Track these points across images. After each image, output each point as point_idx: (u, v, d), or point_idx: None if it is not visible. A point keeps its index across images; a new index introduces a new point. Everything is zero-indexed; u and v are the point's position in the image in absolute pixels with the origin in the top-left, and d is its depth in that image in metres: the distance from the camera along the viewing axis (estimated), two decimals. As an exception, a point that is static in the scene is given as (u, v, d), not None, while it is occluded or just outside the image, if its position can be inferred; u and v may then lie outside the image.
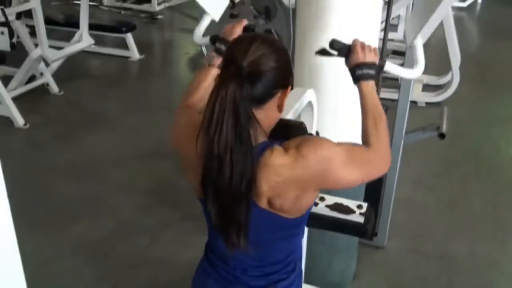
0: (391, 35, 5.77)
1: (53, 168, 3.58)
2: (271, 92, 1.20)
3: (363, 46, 1.43)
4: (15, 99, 4.22)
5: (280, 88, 1.22)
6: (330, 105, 2.06)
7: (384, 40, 2.48)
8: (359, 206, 1.73)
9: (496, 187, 3.48)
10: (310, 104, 1.79)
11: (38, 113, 4.36)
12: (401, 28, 6.19)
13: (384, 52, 2.49)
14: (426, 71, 5.15)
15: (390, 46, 5.18)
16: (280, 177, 1.17)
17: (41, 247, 2.76)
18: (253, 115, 1.16)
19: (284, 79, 1.22)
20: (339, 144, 1.23)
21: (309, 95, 1.74)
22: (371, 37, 2.08)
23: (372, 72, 1.40)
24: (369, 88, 1.37)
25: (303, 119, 1.79)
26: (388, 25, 2.45)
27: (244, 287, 1.35)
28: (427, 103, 4.65)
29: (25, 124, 4.07)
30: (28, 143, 3.97)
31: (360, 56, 1.40)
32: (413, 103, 4.60)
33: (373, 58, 1.42)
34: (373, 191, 2.66)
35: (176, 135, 1.42)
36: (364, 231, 1.70)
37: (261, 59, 1.16)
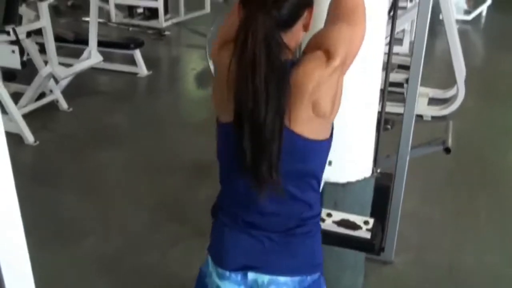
0: (396, 49, 5.83)
1: (63, 184, 3.62)
2: (299, 13, 1.23)
3: None
4: (25, 116, 4.27)
5: (306, 7, 1.25)
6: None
7: (389, 53, 2.50)
8: (366, 222, 1.75)
9: (503, 198, 3.49)
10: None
11: (48, 130, 4.42)
12: (406, 42, 6.24)
13: (389, 66, 2.52)
14: (431, 85, 5.22)
15: (395, 60, 5.22)
16: (317, 77, 1.21)
17: (50, 263, 2.78)
18: (283, 43, 1.19)
19: None
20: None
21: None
22: (376, 50, 2.11)
23: None
24: None
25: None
26: (393, 39, 2.48)
27: (265, 233, 1.35)
28: (433, 117, 4.66)
29: (35, 141, 4.12)
30: (38, 160, 4.02)
31: None
32: (419, 117, 4.62)
33: None
34: (380, 206, 2.67)
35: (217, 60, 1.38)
36: (371, 247, 1.73)
37: None
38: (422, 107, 4.78)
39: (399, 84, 4.78)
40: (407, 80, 4.67)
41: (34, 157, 4.05)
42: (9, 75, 4.79)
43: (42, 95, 4.71)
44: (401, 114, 2.73)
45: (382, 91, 2.66)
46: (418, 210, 3.32)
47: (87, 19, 5.22)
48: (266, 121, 1.16)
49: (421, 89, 4.99)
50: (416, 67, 2.55)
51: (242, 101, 1.17)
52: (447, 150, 2.95)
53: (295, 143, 1.24)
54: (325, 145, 1.33)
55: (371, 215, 2.37)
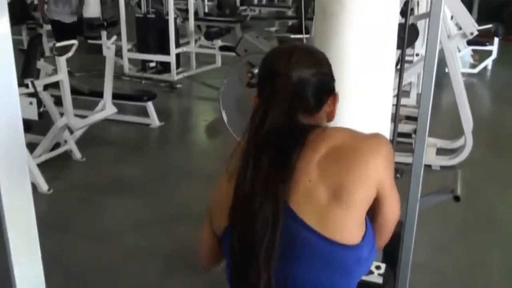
0: (404, 101, 5.95)
1: (75, 233, 3.66)
2: (321, 99, 1.17)
3: None
4: (40, 165, 4.36)
5: (329, 95, 1.18)
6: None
7: (397, 105, 2.59)
8: (378, 267, 1.77)
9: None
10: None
11: (61, 179, 4.49)
12: (413, 94, 6.37)
13: (397, 117, 2.60)
14: (439, 136, 5.28)
15: (403, 111, 5.32)
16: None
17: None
18: (302, 128, 1.11)
19: (330, 84, 1.19)
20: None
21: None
22: (384, 103, 2.19)
23: None
24: None
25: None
26: (400, 91, 2.57)
27: None
28: (441, 167, 4.70)
29: (48, 190, 4.19)
30: (51, 209, 4.07)
31: None
32: (428, 166, 4.67)
33: None
34: (391, 254, 2.68)
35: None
36: (382, 292, 1.74)
37: (305, 68, 1.13)
38: (431, 157, 4.83)
39: (407, 135, 4.86)
40: (415, 131, 4.78)
41: (48, 205, 4.10)
42: (25, 126, 4.90)
43: (56, 145, 4.81)
44: (410, 164, 2.78)
45: (391, 141, 2.73)
46: (430, 262, 3.30)
47: (98, 71, 5.38)
48: (259, 210, 1.01)
49: (429, 140, 5.05)
50: (424, 117, 2.61)
51: (239, 187, 1.06)
52: (457, 198, 2.97)
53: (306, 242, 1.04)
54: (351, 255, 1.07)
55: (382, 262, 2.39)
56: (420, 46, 5.88)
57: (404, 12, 3.38)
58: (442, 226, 3.77)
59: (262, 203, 1.02)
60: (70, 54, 4.40)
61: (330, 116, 1.21)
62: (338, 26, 1.99)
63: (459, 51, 7.52)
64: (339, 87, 2.07)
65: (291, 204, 1.04)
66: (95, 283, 3.09)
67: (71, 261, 3.30)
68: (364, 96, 2.06)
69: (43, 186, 4.19)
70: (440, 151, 5.02)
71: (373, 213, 1.15)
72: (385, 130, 2.21)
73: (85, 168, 4.76)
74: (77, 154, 4.84)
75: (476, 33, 4.38)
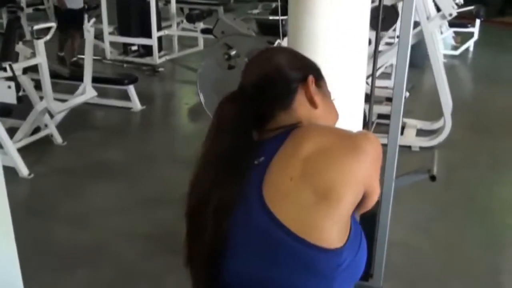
0: (385, 82, 5.99)
1: (55, 216, 3.66)
2: (289, 91, 1.15)
3: None
4: (20, 150, 4.34)
5: (296, 84, 1.16)
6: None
7: (372, 86, 2.61)
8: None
9: (491, 229, 3.54)
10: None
11: (42, 163, 4.47)
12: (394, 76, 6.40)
13: (372, 99, 2.62)
14: (420, 117, 5.32)
15: (384, 93, 5.35)
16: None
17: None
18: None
19: (294, 73, 1.17)
20: None
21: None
22: (358, 82, 2.20)
23: None
24: None
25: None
26: (375, 72, 2.59)
27: None
28: (421, 148, 4.76)
29: (29, 174, 4.18)
30: (32, 193, 4.07)
31: None
32: (407, 147, 4.73)
33: None
34: (367, 233, 2.73)
35: None
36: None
37: (260, 69, 1.18)
38: (411, 138, 4.89)
39: (387, 116, 4.89)
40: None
41: (28, 189, 4.10)
42: (5, 111, 4.88)
43: (37, 130, 4.79)
44: (386, 144, 2.81)
45: (367, 122, 2.76)
46: (407, 240, 3.37)
47: (82, 56, 5.34)
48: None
49: (409, 121, 5.19)
50: (398, 99, 2.64)
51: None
52: (433, 178, 3.02)
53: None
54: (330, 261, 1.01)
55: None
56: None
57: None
58: (421, 205, 3.84)
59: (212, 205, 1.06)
60: (48, 37, 4.36)
61: (312, 102, 1.16)
62: (311, 6, 2.00)
63: (441, 33, 7.59)
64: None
65: (269, 204, 1.00)
66: (75, 265, 3.10)
67: (51, 245, 3.31)
68: (337, 75, 2.07)
69: (24, 171, 4.17)
70: (420, 132, 5.08)
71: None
72: (359, 110, 2.23)
73: (66, 152, 4.75)
74: (58, 139, 4.82)
75: (455, 14, 4.41)
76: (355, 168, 1.03)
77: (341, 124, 2.09)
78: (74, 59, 7.25)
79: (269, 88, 1.15)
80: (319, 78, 1.21)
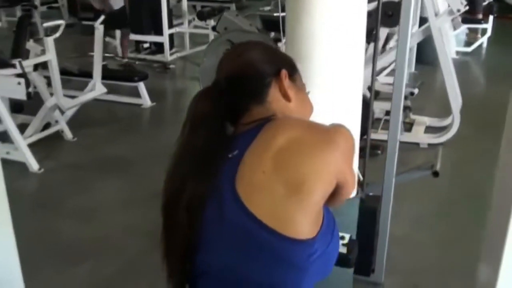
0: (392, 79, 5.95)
1: (63, 211, 3.72)
2: (262, 84, 1.17)
3: None
4: (31, 146, 4.41)
5: (270, 78, 1.18)
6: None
7: (372, 81, 2.61)
8: (342, 237, 1.82)
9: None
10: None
11: (52, 159, 4.54)
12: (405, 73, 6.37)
13: (372, 93, 2.63)
14: (429, 114, 5.30)
15: (390, 90, 5.33)
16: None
17: (47, 285, 2.87)
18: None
19: (268, 68, 1.19)
20: None
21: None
22: (355, 79, 2.21)
23: None
24: None
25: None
26: (376, 66, 2.60)
27: None
28: (429, 144, 4.74)
29: (39, 169, 4.25)
30: (41, 187, 4.14)
31: None
32: (416, 144, 4.72)
33: None
34: (369, 228, 2.73)
35: None
36: (347, 261, 1.79)
37: (234, 63, 1.20)
38: (419, 135, 4.88)
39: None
40: (403, 109, 4.82)
41: (38, 184, 4.17)
42: (17, 107, 4.97)
43: (48, 126, 4.86)
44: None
45: (366, 120, 2.76)
46: (410, 235, 3.37)
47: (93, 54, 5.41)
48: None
49: (418, 118, 5.17)
50: (398, 96, 2.65)
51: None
52: (435, 174, 3.02)
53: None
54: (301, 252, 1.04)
55: (360, 236, 2.43)
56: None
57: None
58: (425, 201, 3.83)
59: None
60: (57, 34, 4.42)
61: (286, 96, 1.18)
62: (308, 4, 2.02)
63: (454, 29, 7.52)
64: (309, 63, 2.11)
65: (242, 197, 1.02)
66: (81, 258, 3.15)
67: (56, 238, 3.37)
68: (334, 72, 2.09)
69: (34, 165, 4.24)
70: (429, 129, 5.06)
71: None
72: (357, 106, 2.23)
73: (77, 148, 4.81)
74: (69, 134, 4.89)
75: (463, 10, 4.38)
76: (327, 160, 1.05)
77: (339, 120, 2.11)
78: (125, 60, 7.35)
79: (243, 83, 1.17)
80: (293, 72, 1.23)
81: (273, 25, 4.07)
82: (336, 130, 1.09)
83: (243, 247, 1.03)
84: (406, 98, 5.13)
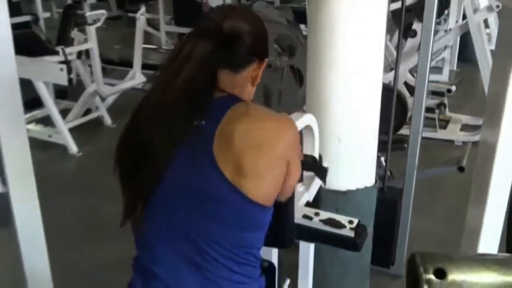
0: (436, 77, 5.87)
1: (98, 191, 3.86)
2: (248, 58, 1.22)
3: None
4: (71, 130, 4.61)
5: (257, 58, 1.24)
6: (335, 130, 2.20)
7: (395, 77, 2.62)
8: (350, 222, 1.85)
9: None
10: (310, 128, 1.95)
11: (91, 143, 4.73)
12: (445, 70, 6.28)
13: (396, 87, 2.63)
14: (467, 112, 5.21)
15: (431, 87, 5.27)
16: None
17: (79, 261, 3.01)
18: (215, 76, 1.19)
19: (260, 48, 1.26)
20: None
21: (307, 119, 1.90)
22: (376, 69, 2.22)
23: None
24: None
25: (304, 141, 1.96)
26: (400, 58, 2.59)
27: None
28: (463, 142, 4.68)
29: (78, 152, 4.43)
30: (79, 169, 4.32)
31: None
32: (450, 141, 4.67)
33: None
34: (389, 219, 2.75)
35: None
36: (354, 245, 1.82)
37: (240, 23, 1.20)
38: (455, 133, 4.82)
39: (432, 110, 4.84)
40: (437, 106, 4.75)
41: (77, 166, 4.35)
42: (61, 93, 5.18)
43: (89, 112, 5.05)
44: (428, 138, 2.80)
45: (402, 114, 2.76)
46: (432, 230, 3.34)
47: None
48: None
49: (455, 116, 5.09)
50: (420, 93, 2.65)
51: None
52: (461, 169, 3.00)
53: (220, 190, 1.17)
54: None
55: (379, 227, 2.45)
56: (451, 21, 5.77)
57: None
58: (449, 197, 3.79)
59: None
60: (99, 24, 4.59)
61: (254, 81, 1.26)
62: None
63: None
64: (328, 52, 2.14)
65: (220, 166, 1.15)
66: (112, 235, 3.26)
67: (92, 216, 3.53)
68: (353, 62, 2.11)
69: (73, 148, 4.43)
70: (465, 127, 4.99)
71: None
72: (377, 95, 2.24)
73: (115, 133, 4.82)
74: (108, 120, 5.06)
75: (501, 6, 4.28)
76: (275, 149, 1.18)
77: (360, 106, 2.14)
78: None
79: (240, 44, 1.20)
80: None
81: (304, 17, 4.08)
82: (281, 120, 1.22)
83: (217, 209, 1.19)
84: (443, 95, 5.08)
